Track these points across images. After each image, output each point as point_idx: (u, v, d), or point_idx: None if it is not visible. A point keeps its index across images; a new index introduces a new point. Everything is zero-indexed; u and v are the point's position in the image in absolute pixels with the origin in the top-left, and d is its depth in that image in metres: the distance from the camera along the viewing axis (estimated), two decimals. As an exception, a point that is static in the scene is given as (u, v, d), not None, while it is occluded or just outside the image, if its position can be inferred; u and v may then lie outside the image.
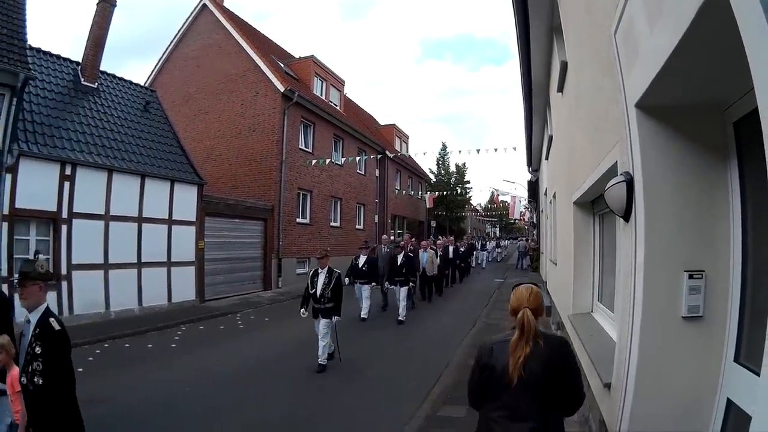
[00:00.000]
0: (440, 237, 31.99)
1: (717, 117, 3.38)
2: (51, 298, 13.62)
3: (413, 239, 22.92)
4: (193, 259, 19.00)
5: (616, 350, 4.37)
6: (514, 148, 24.50)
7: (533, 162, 24.39)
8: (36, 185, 13.85)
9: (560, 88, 9.46)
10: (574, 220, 8.07)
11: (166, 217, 17.93)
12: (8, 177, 13.12)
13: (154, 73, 30.38)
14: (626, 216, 3.89)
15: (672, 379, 3.45)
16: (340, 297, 10.73)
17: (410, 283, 17.11)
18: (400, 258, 16.92)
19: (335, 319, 10.65)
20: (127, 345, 12.90)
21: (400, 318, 15.98)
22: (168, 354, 12.23)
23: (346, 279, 15.72)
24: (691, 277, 3.38)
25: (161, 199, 17.76)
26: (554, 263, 13.42)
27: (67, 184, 14.64)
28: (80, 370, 10.01)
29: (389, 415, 8.10)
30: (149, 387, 9.49)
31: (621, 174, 3.88)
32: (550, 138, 13.74)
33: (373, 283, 16.72)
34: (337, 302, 10.67)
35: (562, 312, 9.97)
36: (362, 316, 16.01)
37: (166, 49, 30.32)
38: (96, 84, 18.38)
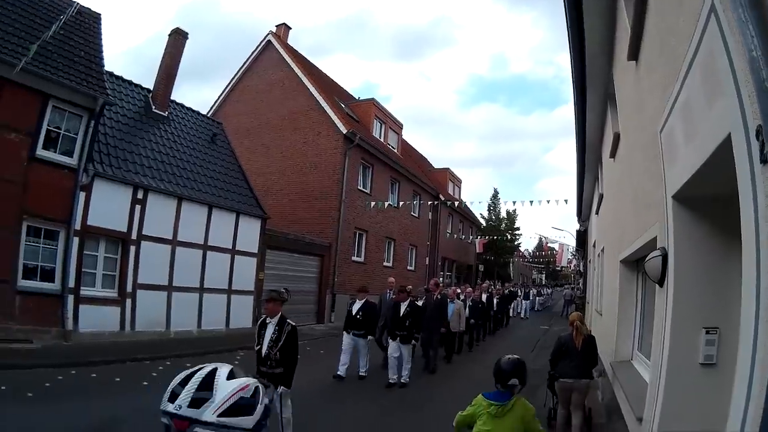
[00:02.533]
0: (467, 285, 28.94)
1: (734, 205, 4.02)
2: (114, 313, 14.71)
3: (443, 284, 21.50)
4: (253, 289, 19.51)
5: (648, 391, 5.04)
6: (566, 201, 24.83)
7: (582, 213, 24.39)
8: (108, 205, 14.46)
9: (612, 155, 10.10)
10: (620, 277, 8.80)
11: (230, 247, 18.55)
12: (82, 195, 13.78)
13: (217, 103, 31.42)
14: (660, 282, 4.70)
15: (691, 415, 4.09)
16: (291, 360, 7.55)
17: (413, 341, 13.32)
18: (402, 308, 13.15)
19: (281, 390, 7.29)
20: (188, 364, 13.36)
21: (399, 379, 12.91)
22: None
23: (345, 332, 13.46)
24: (707, 332, 4.07)
25: (226, 229, 18.42)
26: (599, 313, 13.74)
27: (138, 207, 15.29)
28: (145, 383, 10.71)
29: None
30: None
31: (658, 249, 4.75)
32: (601, 196, 14.26)
33: (370, 337, 13.59)
34: (288, 367, 7.51)
35: (604, 359, 10.14)
36: (360, 373, 13.39)
37: (231, 79, 31.31)
38: (167, 112, 19.18)
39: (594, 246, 18.67)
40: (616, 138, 9.37)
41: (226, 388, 2.69)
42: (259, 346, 7.65)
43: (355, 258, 27.43)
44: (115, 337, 14.41)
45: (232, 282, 18.64)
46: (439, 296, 15.62)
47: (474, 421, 4.47)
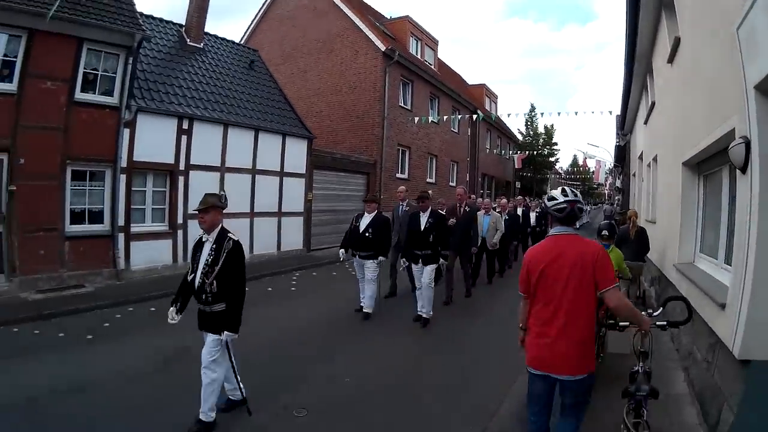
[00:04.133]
0: (502, 196, 24.41)
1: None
2: (166, 246, 14.94)
3: (470, 196, 19.36)
4: (302, 210, 19.82)
5: (731, 275, 5.33)
6: (610, 112, 24.45)
7: (626, 126, 24.09)
8: (153, 139, 14.49)
9: (670, 60, 9.97)
10: (682, 180, 8.73)
11: (278, 170, 18.70)
12: (126, 132, 13.80)
13: (248, 33, 31.28)
14: (743, 169, 4.84)
15: None
16: (236, 292, 5.77)
17: (441, 260, 10.55)
18: (424, 220, 10.45)
19: (226, 336, 5.64)
20: (247, 288, 13.62)
21: (422, 314, 10.53)
22: (290, 295, 13.12)
23: (341, 252, 11.36)
24: None
25: (273, 152, 18.51)
26: (652, 222, 13.75)
27: (184, 138, 15.35)
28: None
29: None
30: (292, 318, 10.73)
31: (740, 138, 4.83)
32: (652, 104, 14.04)
33: (381, 258, 10.88)
34: (231, 303, 5.75)
35: (662, 265, 10.76)
36: (364, 309, 10.92)
37: (260, 9, 31.08)
38: (202, 44, 19.08)
39: (640, 158, 18.51)
40: (676, 42, 9.28)
41: None
42: (192, 275, 5.90)
43: (399, 175, 27.53)
44: (168, 270, 14.66)
45: (281, 205, 18.84)
46: (466, 208, 12.86)
47: None
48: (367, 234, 10.68)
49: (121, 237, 13.65)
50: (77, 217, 13.11)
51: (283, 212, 18.94)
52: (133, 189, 14.08)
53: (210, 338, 5.75)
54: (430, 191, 12.84)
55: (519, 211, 19.65)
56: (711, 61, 6.48)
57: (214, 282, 5.67)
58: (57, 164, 12.39)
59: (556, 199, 4.30)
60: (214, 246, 5.75)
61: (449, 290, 12.48)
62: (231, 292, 5.73)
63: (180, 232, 15.27)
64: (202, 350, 5.77)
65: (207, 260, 5.73)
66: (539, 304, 4.23)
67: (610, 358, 6.79)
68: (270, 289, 13.57)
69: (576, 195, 4.34)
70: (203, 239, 5.89)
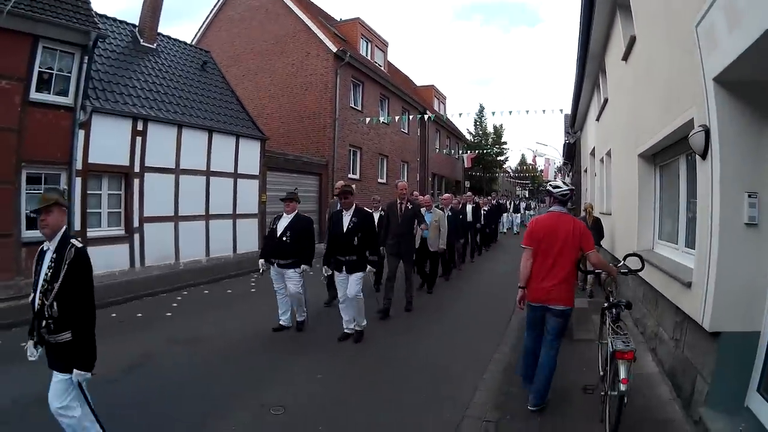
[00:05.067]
0: (451, 195, 17.37)
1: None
2: (123, 251, 14.81)
3: (412, 193, 16.66)
4: (256, 212, 19.87)
5: (695, 256, 5.85)
6: (561, 110, 24.88)
7: (576, 124, 24.61)
8: (109, 140, 14.34)
9: (625, 57, 10.41)
10: (639, 171, 9.21)
11: (232, 171, 18.75)
12: (81, 133, 13.62)
13: (199, 34, 31.06)
14: (704, 155, 5.25)
15: (740, 270, 4.90)
16: (82, 316, 4.53)
17: (368, 267, 9.06)
18: (347, 220, 9.01)
19: (76, 376, 4.45)
20: (206, 291, 13.74)
21: (349, 331, 9.20)
22: (250, 296, 13.17)
23: (261, 262, 9.70)
24: (749, 196, 4.80)
25: (227, 153, 18.54)
26: (607, 214, 14.18)
27: (139, 139, 15.24)
28: (168, 314, 10.92)
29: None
30: (248, 321, 10.31)
31: (699, 126, 5.24)
32: (605, 100, 14.53)
33: (305, 266, 9.45)
34: (79, 332, 4.52)
35: (620, 254, 10.88)
36: (282, 323, 9.74)
37: (211, 10, 30.94)
38: (155, 44, 18.98)
39: (592, 154, 19.03)
40: (632, 40, 9.70)
41: None
42: (32, 294, 4.66)
43: (351, 175, 27.68)
44: (126, 275, 14.52)
45: (236, 206, 18.86)
46: (408, 205, 11.60)
47: None
48: (285, 238, 9.26)
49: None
50: (33, 222, 12.80)
51: (238, 214, 18.91)
52: (88, 192, 13.92)
53: (56, 378, 4.53)
54: (353, 185, 10.27)
55: (469, 209, 19.33)
56: (668, 58, 6.92)
57: (54, 303, 4.40)
58: (11, 167, 12.16)
59: (561, 187, 6.23)
60: (54, 256, 4.50)
61: (408, 295, 11.55)
62: (76, 316, 4.47)
63: (137, 236, 15.19)
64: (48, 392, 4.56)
65: (46, 275, 4.48)
66: (541, 257, 6.04)
67: (579, 344, 8.13)
68: (230, 291, 13.70)
69: (572, 186, 6.41)
70: (44, 248, 4.66)
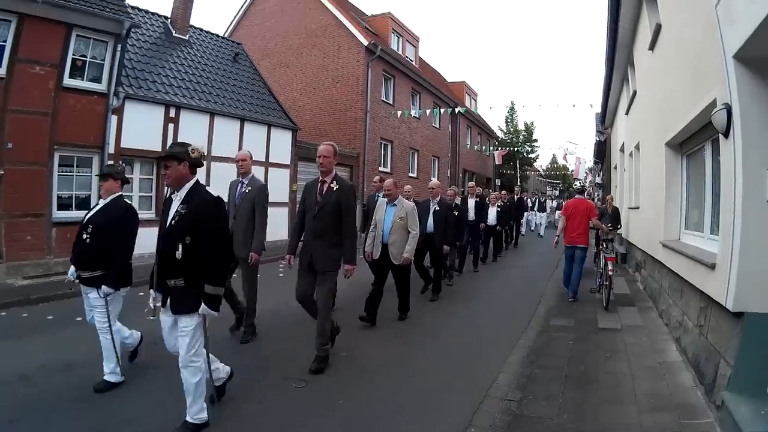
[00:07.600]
0: (448, 189, 14.19)
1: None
2: (154, 234, 14.53)
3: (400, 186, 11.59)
4: (287, 201, 20.04)
5: (720, 235, 5.61)
6: (591, 105, 24.72)
7: (606, 120, 24.44)
8: (142, 126, 14.59)
9: (652, 47, 10.48)
10: (666, 160, 9.13)
11: (263, 160, 18.81)
12: (114, 118, 13.86)
13: (231, 27, 31.20)
14: (726, 133, 5.18)
15: (762, 247, 4.80)
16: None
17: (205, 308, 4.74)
18: (172, 210, 5.01)
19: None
20: (234, 275, 13.59)
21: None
22: (279, 281, 13.21)
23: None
24: None
25: (259, 142, 18.60)
26: (636, 208, 14.31)
27: (171, 126, 15.47)
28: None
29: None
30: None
31: (722, 104, 5.15)
32: (634, 93, 14.47)
33: (106, 288, 5.73)
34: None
35: (647, 246, 11.62)
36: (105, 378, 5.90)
37: (243, 4, 31.07)
38: (187, 36, 19.18)
39: (622, 150, 18.94)
40: (658, 28, 9.70)
41: None
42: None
43: (381, 168, 27.65)
44: (154, 258, 14.34)
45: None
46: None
47: None
48: (84, 236, 5.84)
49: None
50: (65, 203, 13.11)
51: (270, 202, 18.56)
52: (121, 176, 13.90)
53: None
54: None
55: (471, 203, 14.93)
56: (692, 41, 6.89)
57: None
58: (45, 149, 12.41)
59: (578, 184, 10.89)
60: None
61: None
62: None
63: (166, 220, 15.08)
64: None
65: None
66: (570, 220, 11.29)
67: (603, 334, 8.65)
68: (259, 275, 13.53)
69: (584, 183, 10.05)
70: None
